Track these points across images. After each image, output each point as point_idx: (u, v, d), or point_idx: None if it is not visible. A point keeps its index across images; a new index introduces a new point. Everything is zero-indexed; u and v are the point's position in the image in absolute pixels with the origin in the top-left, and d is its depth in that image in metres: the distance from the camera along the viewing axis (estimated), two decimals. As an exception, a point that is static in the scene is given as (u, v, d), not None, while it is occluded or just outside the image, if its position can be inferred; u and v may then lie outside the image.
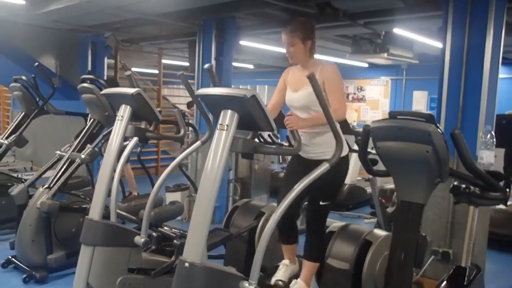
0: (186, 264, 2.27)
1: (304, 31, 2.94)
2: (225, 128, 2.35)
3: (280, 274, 3.17)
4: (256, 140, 2.64)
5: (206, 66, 2.71)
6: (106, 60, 8.04)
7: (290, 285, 2.98)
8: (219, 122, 2.38)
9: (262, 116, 2.32)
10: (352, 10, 5.12)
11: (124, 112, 3.14)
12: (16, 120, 5.18)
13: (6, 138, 5.05)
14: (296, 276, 3.17)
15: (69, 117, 5.86)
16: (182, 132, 3.41)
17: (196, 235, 2.32)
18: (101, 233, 3.06)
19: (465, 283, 2.63)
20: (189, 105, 9.64)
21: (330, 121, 2.38)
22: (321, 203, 2.92)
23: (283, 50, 8.34)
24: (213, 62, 5.72)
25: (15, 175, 6.39)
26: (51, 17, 5.95)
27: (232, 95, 2.28)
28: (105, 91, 3.33)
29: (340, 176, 2.98)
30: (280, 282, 2.46)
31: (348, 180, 6.99)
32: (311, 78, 2.25)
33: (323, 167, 2.42)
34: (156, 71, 9.98)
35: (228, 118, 2.34)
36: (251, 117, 2.32)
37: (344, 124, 3.47)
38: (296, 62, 3.06)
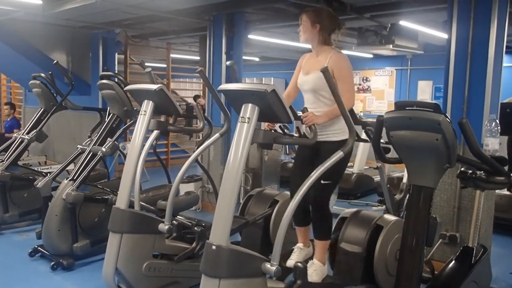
0: (213, 247, 2.45)
1: (316, 15, 3.13)
2: (246, 121, 2.51)
3: (295, 257, 3.36)
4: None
5: (228, 63, 2.90)
6: (116, 56, 8.16)
7: (308, 265, 3.14)
8: (241, 115, 2.54)
9: (281, 109, 2.49)
10: (359, 4, 5.15)
11: (147, 107, 3.28)
12: (36, 116, 5.34)
13: (27, 133, 5.20)
14: (310, 257, 3.34)
15: (82, 112, 5.95)
16: (201, 125, 3.55)
17: (221, 221, 2.49)
18: (128, 221, 3.21)
19: (472, 262, 2.80)
20: (195, 98, 9.85)
21: (343, 112, 2.55)
22: (322, 181, 2.98)
23: (289, 43, 8.35)
24: (224, 56, 5.86)
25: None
26: (65, 16, 6.00)
27: (254, 90, 2.44)
28: (129, 87, 3.46)
29: (342, 157, 3.08)
30: (299, 264, 2.64)
31: (355, 169, 7.17)
32: (324, 72, 2.42)
33: (338, 155, 2.62)
34: (163, 65, 10.11)
35: (249, 111, 2.50)
36: (271, 110, 2.48)
37: (351, 114, 3.62)
38: (303, 40, 3.21)
